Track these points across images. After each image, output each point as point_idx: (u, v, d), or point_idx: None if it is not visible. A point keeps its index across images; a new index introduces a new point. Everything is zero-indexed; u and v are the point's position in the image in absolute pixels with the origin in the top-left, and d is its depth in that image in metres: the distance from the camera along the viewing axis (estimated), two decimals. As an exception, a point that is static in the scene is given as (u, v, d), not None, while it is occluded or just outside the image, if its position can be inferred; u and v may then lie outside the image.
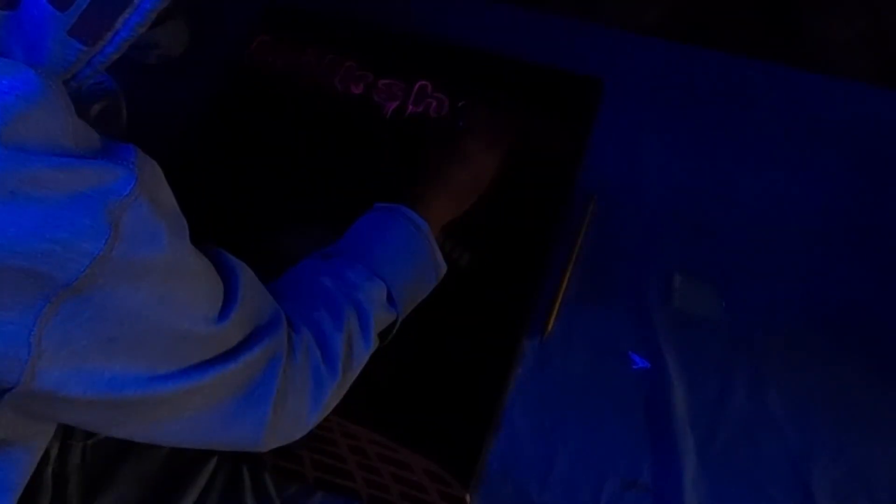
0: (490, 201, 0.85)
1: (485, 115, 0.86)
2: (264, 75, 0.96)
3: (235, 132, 0.93)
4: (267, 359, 0.57)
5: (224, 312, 0.54)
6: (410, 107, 0.92)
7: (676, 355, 0.77)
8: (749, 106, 0.90)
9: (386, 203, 0.74)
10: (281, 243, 0.85)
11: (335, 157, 0.90)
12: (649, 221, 0.85)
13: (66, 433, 0.67)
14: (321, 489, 0.74)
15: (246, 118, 0.94)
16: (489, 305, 0.80)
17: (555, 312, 0.80)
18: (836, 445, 0.73)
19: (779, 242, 0.83)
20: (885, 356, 0.77)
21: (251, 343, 0.55)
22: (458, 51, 0.95)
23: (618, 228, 0.84)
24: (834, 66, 0.94)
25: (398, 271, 0.69)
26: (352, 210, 0.86)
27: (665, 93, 0.92)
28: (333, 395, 0.63)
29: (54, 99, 0.45)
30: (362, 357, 0.66)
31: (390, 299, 0.68)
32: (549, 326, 0.79)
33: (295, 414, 0.60)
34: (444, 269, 0.74)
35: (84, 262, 0.43)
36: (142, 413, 0.51)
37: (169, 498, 0.71)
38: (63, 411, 0.50)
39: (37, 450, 0.55)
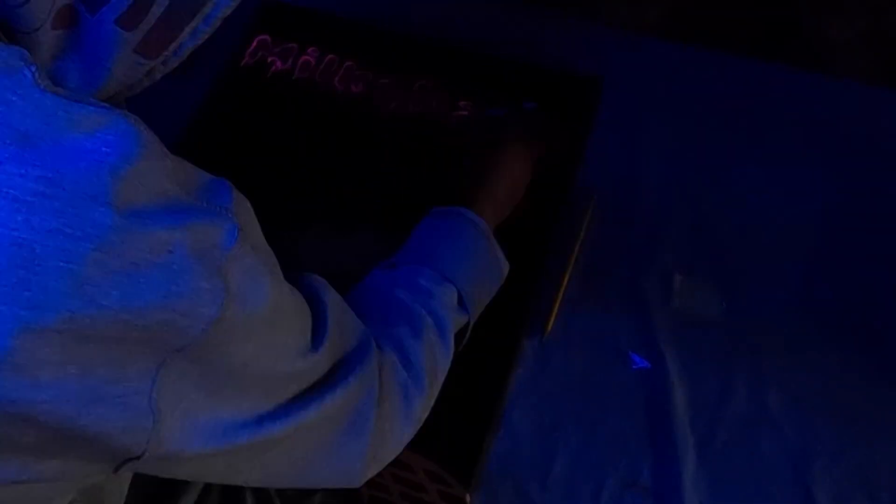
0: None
1: (522, 123, 0.84)
2: (264, 75, 0.96)
3: (235, 132, 0.92)
4: (363, 388, 0.56)
5: (316, 342, 0.53)
6: (410, 106, 0.92)
7: (676, 355, 0.77)
8: (749, 106, 0.91)
9: (443, 206, 0.73)
10: (281, 243, 0.85)
11: (335, 157, 0.90)
12: (649, 221, 0.85)
13: None
14: (321, 490, 0.74)
15: (246, 118, 0.93)
16: (489, 305, 0.80)
17: (555, 312, 0.80)
18: (836, 445, 0.73)
19: (779, 242, 0.83)
20: (885, 356, 0.77)
21: (346, 372, 0.55)
22: (458, 51, 0.95)
23: (618, 228, 0.84)
24: (834, 66, 0.94)
25: (466, 274, 0.68)
26: (352, 210, 0.86)
27: (665, 93, 0.92)
28: (423, 410, 0.62)
29: (153, 147, 0.43)
30: (444, 366, 0.65)
31: (461, 302, 0.68)
32: (549, 326, 0.79)
33: (391, 438, 0.59)
34: (507, 268, 0.73)
35: (201, 326, 0.42)
36: (254, 458, 0.50)
37: (169, 498, 0.71)
38: (181, 469, 0.49)
39: None
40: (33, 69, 0.40)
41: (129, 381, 0.41)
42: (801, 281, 0.81)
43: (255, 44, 0.98)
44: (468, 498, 0.72)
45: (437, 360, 0.63)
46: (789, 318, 0.79)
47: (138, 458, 0.43)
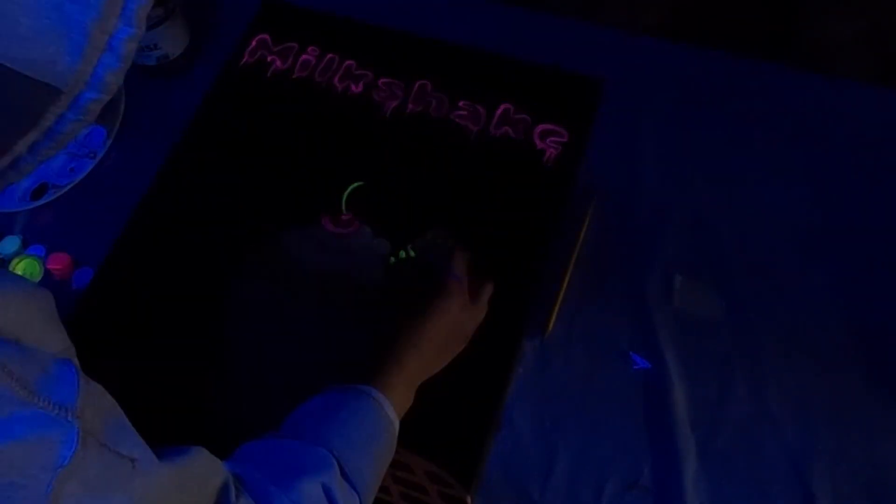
0: (490, 201, 0.86)
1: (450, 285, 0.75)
2: (264, 74, 0.96)
3: (235, 132, 0.92)
4: None
5: None
6: (410, 106, 0.92)
7: (676, 355, 0.78)
8: (749, 106, 0.90)
9: (349, 385, 0.67)
10: (281, 243, 0.85)
11: (335, 157, 0.90)
12: (649, 221, 0.85)
13: None
14: (321, 489, 0.74)
15: (246, 118, 0.93)
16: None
17: (555, 312, 0.80)
18: (837, 445, 0.73)
19: (779, 242, 0.83)
20: (885, 356, 0.77)
21: None
22: (458, 51, 0.95)
23: (618, 228, 0.84)
24: (834, 66, 0.94)
25: (363, 464, 0.63)
26: (352, 209, 0.86)
27: (665, 93, 0.92)
28: None
29: None
30: None
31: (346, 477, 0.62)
32: (550, 326, 0.79)
33: None
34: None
35: None
36: None
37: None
38: None
39: None
40: None
41: None
42: (801, 281, 0.81)
43: (254, 43, 0.98)
44: (469, 499, 0.72)
45: None
46: (789, 318, 0.79)
47: None
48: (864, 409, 0.75)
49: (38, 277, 0.85)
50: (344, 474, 0.61)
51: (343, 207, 0.86)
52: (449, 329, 0.73)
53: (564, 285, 0.81)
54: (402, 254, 0.82)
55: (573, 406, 0.76)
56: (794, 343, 0.78)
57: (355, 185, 0.87)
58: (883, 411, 0.75)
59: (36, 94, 0.36)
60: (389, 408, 0.66)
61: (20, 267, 0.85)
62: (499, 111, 0.91)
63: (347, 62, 0.96)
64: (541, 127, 0.89)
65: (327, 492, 0.58)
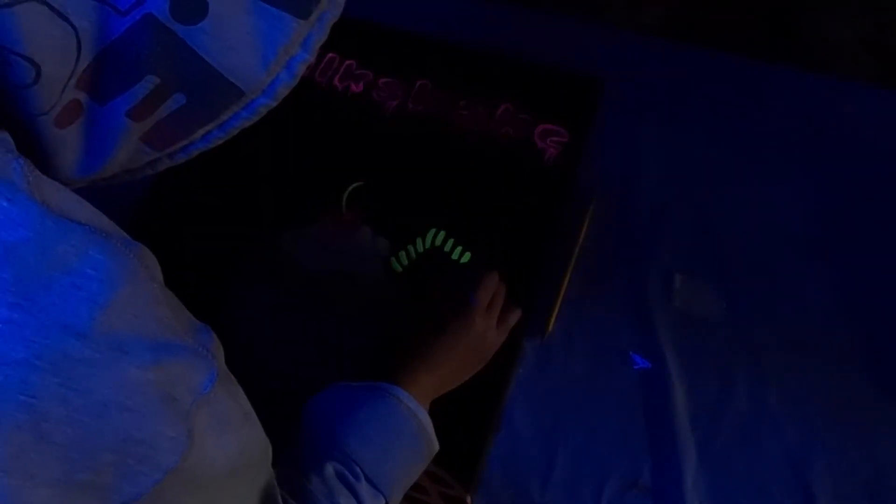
0: (490, 201, 0.86)
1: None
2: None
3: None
4: None
5: None
6: (410, 105, 0.92)
7: (676, 355, 0.78)
8: (749, 106, 0.90)
9: (375, 382, 0.68)
10: (281, 243, 0.85)
11: (335, 157, 0.90)
12: (650, 221, 0.85)
13: None
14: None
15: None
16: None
17: (555, 312, 0.80)
18: (837, 445, 0.73)
19: (779, 242, 0.83)
20: (885, 356, 0.77)
21: None
22: (458, 51, 0.95)
23: (618, 228, 0.84)
24: (833, 67, 0.94)
25: (388, 468, 0.64)
26: (352, 209, 0.86)
27: (665, 93, 0.92)
28: None
29: (140, 273, 0.40)
30: None
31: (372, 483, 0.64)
32: (550, 326, 0.79)
33: None
34: (436, 448, 0.69)
35: (156, 476, 0.39)
36: None
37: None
38: None
39: None
40: (21, 162, 0.38)
41: None
42: (801, 281, 0.81)
43: (254, 43, 0.98)
44: (469, 499, 0.72)
45: None
46: (789, 318, 0.79)
47: None
48: (864, 409, 0.75)
49: None
50: (366, 477, 0.62)
51: (343, 207, 0.86)
52: (467, 349, 0.73)
53: (564, 285, 0.81)
54: (403, 254, 0.82)
55: (573, 406, 0.76)
56: (794, 343, 0.78)
57: (355, 185, 0.87)
58: (883, 411, 0.75)
59: (225, 93, 0.44)
60: (409, 399, 0.67)
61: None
62: (499, 111, 0.91)
63: (347, 62, 0.96)
64: (541, 127, 0.89)
65: (351, 489, 0.61)
